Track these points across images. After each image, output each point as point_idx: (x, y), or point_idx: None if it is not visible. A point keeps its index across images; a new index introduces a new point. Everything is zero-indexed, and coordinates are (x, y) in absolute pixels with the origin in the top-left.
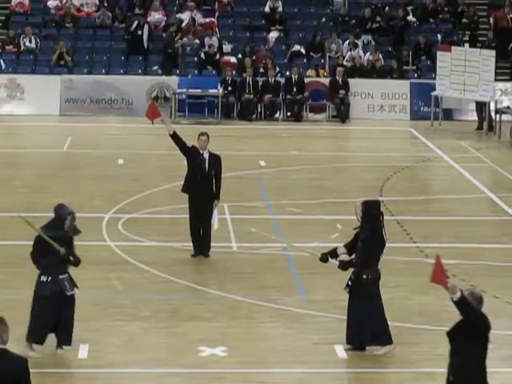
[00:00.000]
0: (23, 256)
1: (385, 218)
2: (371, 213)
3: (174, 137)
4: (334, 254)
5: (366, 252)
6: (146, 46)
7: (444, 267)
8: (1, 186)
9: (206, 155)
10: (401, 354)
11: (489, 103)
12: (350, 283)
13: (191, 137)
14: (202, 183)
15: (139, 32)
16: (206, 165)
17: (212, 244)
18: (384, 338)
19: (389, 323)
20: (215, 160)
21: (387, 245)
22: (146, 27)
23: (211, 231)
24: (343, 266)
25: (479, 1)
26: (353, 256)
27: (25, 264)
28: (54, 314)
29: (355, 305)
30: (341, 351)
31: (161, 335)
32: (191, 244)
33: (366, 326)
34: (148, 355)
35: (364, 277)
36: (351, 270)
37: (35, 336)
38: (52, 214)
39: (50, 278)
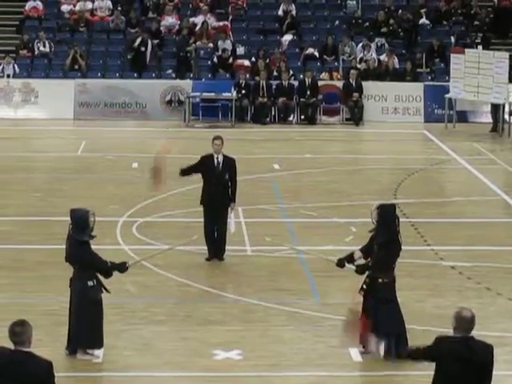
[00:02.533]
0: (37, 260)
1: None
2: (387, 216)
3: (184, 173)
4: (350, 258)
5: (383, 256)
6: (147, 62)
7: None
8: (15, 190)
9: (221, 159)
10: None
11: (503, 105)
12: (364, 287)
13: (205, 140)
14: (217, 187)
15: (142, 48)
16: (220, 168)
17: (226, 247)
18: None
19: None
20: (230, 163)
21: (402, 247)
22: (149, 44)
23: (226, 235)
24: (361, 270)
25: (490, 3)
26: (368, 259)
27: (39, 268)
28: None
29: (371, 308)
30: (356, 354)
31: (175, 339)
32: (205, 247)
33: (382, 330)
34: (163, 359)
35: (380, 281)
36: (366, 273)
37: (98, 342)
38: (64, 218)
39: (96, 282)
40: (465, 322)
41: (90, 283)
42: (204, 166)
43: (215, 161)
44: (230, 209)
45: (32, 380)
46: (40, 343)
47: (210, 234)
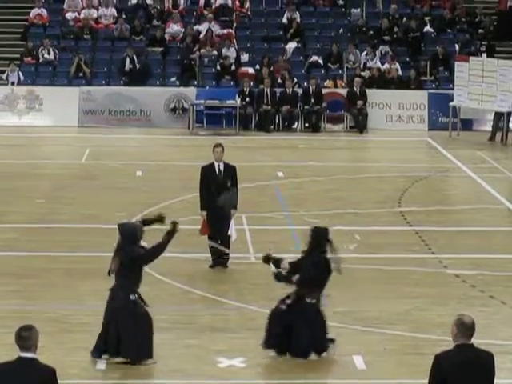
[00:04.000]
0: (41, 267)
1: (403, 228)
2: (318, 239)
3: (204, 202)
4: (277, 263)
5: (309, 276)
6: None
7: None
8: (20, 197)
9: (222, 166)
10: (420, 365)
11: (508, 113)
12: (289, 301)
13: (209, 148)
14: (219, 194)
15: (135, 66)
16: (222, 176)
17: (230, 255)
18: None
19: (396, 333)
20: (231, 171)
21: (406, 255)
22: (134, 58)
23: (230, 242)
24: (278, 277)
25: (494, 11)
26: (293, 275)
27: (43, 275)
28: None
29: (296, 320)
30: (360, 362)
31: (179, 346)
32: (209, 255)
33: (310, 337)
34: (166, 366)
35: (308, 300)
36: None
37: (150, 351)
38: (68, 225)
39: (137, 296)
40: (466, 328)
41: (132, 297)
42: (205, 175)
43: (216, 169)
44: (230, 215)
45: None
46: (44, 350)
47: (213, 241)
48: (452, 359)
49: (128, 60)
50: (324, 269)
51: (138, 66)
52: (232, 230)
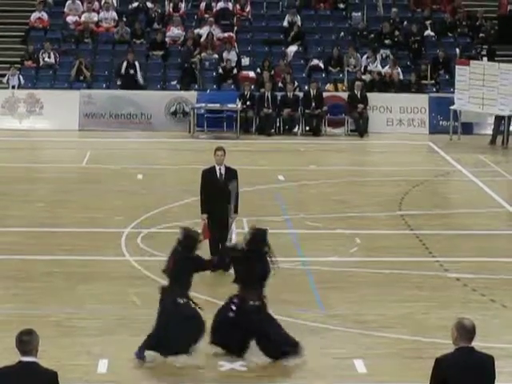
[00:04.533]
0: (42, 271)
1: (404, 232)
2: (256, 240)
3: (205, 204)
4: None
5: (247, 274)
6: (142, 82)
7: None
8: (20, 201)
9: (223, 170)
10: (421, 369)
11: (508, 117)
12: (234, 308)
13: (210, 151)
14: (220, 198)
15: (131, 71)
16: (223, 180)
17: None
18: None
19: (396, 336)
20: (231, 174)
21: (407, 259)
22: (136, 64)
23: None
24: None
25: (495, 14)
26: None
27: (44, 279)
28: None
29: (243, 327)
30: (360, 366)
31: None
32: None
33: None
34: (167, 370)
35: (251, 303)
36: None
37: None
38: (69, 229)
39: (186, 299)
40: (467, 331)
41: (180, 300)
42: (206, 179)
43: (217, 172)
44: (231, 219)
45: None
46: (44, 354)
47: (214, 245)
48: (452, 362)
49: (125, 64)
50: (262, 268)
51: (138, 72)
52: (232, 234)
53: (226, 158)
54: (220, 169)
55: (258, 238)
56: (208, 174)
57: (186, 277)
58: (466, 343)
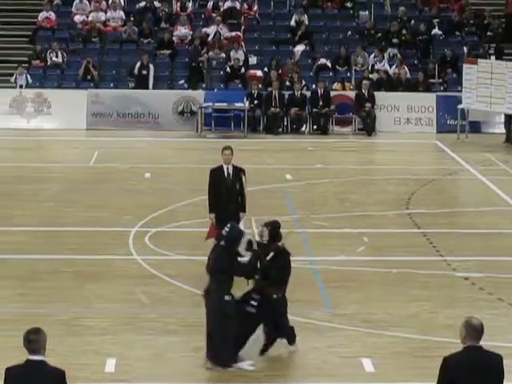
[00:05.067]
0: (50, 270)
1: (412, 231)
2: (276, 232)
3: (213, 203)
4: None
5: (276, 271)
6: (151, 86)
7: None
8: (28, 200)
9: (231, 169)
10: (428, 367)
11: None
12: (255, 303)
13: (217, 150)
14: (228, 197)
15: (144, 72)
16: (231, 179)
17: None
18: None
19: (404, 335)
20: (239, 173)
21: (414, 258)
22: (151, 67)
23: None
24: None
25: (503, 13)
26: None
27: (51, 278)
28: None
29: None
30: (368, 365)
31: (188, 349)
32: None
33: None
34: (175, 369)
35: (275, 297)
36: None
37: (232, 357)
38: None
39: (232, 297)
40: (475, 330)
41: (227, 297)
42: (214, 178)
43: (225, 171)
44: (240, 218)
45: None
46: (52, 353)
47: None
48: (460, 361)
49: (139, 64)
50: (286, 263)
51: (151, 74)
52: None
53: (233, 158)
54: (228, 168)
55: (277, 228)
56: (216, 174)
57: (230, 275)
58: (474, 342)
